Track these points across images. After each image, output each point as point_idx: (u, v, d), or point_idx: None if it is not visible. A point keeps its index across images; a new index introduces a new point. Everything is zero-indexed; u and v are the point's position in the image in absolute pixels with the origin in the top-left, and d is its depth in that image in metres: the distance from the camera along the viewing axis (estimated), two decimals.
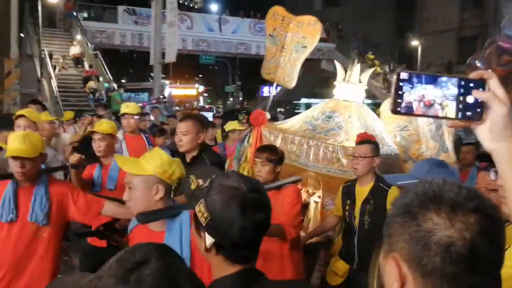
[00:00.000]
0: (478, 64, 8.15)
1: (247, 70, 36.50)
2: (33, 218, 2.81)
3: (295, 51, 5.70)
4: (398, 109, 0.97)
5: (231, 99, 36.77)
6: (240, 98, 37.01)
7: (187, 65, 35.69)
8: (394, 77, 0.98)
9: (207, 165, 3.41)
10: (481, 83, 0.98)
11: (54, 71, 17.62)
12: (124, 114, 5.38)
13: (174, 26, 15.70)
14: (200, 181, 3.17)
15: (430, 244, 0.87)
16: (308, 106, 44.28)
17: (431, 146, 4.40)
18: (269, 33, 6.03)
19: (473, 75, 0.99)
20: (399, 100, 0.96)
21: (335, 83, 5.46)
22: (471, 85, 0.98)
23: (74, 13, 21.06)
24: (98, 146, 4.05)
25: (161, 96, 13.74)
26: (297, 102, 38.54)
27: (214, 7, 26.89)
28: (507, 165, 1.01)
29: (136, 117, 5.52)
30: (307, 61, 23.92)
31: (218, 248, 1.37)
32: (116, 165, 3.66)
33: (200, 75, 46.48)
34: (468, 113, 0.98)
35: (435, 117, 0.98)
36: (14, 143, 2.73)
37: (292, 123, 5.48)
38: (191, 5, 23.20)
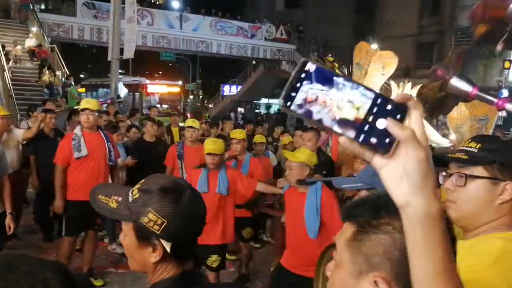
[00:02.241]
0: (440, 70, 8.69)
1: (208, 69, 36.43)
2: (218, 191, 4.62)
3: (375, 77, 7.49)
4: (288, 103, 0.75)
5: (191, 97, 36.53)
6: (201, 96, 36.85)
7: (148, 62, 35.25)
8: (298, 64, 0.78)
9: None
10: (402, 111, 0.75)
11: (8, 63, 17.07)
12: (84, 109, 5.29)
13: (133, 22, 15.47)
14: None
15: None
16: (268, 106, 44.72)
17: None
18: (356, 61, 7.94)
19: (397, 97, 0.76)
20: (292, 94, 0.75)
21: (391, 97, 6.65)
22: (389, 107, 0.75)
23: (31, 5, 20.42)
24: (235, 148, 5.77)
25: (116, 97, 13.51)
26: (257, 102, 38.69)
27: (175, 4, 26.57)
28: (418, 232, 0.74)
29: (96, 113, 5.44)
30: (267, 61, 23.98)
31: (172, 251, 1.34)
32: (247, 159, 5.77)
33: (161, 72, 45.98)
34: (373, 140, 0.74)
35: (330, 129, 0.75)
36: None
37: None
38: (152, 1, 22.86)
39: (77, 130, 5.34)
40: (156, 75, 42.86)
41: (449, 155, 1.59)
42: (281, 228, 4.99)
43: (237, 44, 24.07)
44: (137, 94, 22.34)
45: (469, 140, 1.61)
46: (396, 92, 7.39)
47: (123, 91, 13.87)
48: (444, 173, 1.61)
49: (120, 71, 20.48)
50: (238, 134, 6.02)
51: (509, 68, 16.71)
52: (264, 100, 43.13)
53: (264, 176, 5.75)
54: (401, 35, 26.15)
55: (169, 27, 22.30)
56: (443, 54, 23.91)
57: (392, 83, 7.46)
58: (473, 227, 1.54)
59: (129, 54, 15.70)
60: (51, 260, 1.08)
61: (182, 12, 23.12)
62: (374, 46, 29.19)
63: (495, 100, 9.18)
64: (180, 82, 25.25)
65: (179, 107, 23.40)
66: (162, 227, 1.31)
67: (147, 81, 23.14)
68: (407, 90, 7.25)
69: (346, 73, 23.87)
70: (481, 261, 1.39)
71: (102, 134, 5.53)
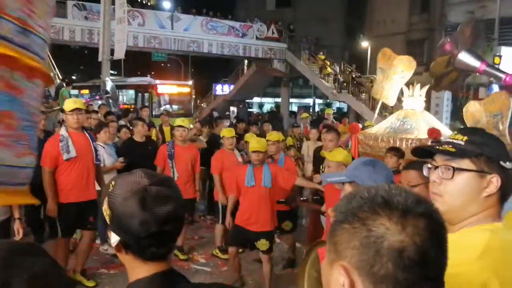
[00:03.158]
0: (448, 44, 9.12)
1: (200, 68, 36.42)
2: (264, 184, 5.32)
3: (395, 80, 8.18)
4: None
5: None
6: (193, 96, 36.78)
7: (140, 62, 35.19)
8: None
9: None
10: None
11: None
12: (73, 109, 5.29)
13: (123, 22, 15.46)
14: None
15: (382, 249, 0.85)
16: (260, 105, 44.62)
17: (494, 133, 5.93)
18: (379, 66, 8.63)
19: None
20: None
21: (403, 98, 7.92)
22: None
23: None
24: (271, 149, 6.17)
25: (104, 91, 13.48)
26: (250, 101, 38.71)
27: (166, 4, 26.57)
28: None
29: (84, 113, 5.46)
30: (259, 60, 23.92)
31: (125, 247, 1.34)
32: (282, 158, 6.45)
33: (153, 72, 45.91)
34: None
35: None
36: None
37: (377, 128, 8.00)
38: (144, 2, 22.80)
39: (63, 131, 5.33)
40: (148, 76, 42.81)
41: (437, 147, 1.58)
42: (312, 216, 6.64)
43: (228, 44, 24.07)
44: (146, 94, 21.61)
45: (455, 133, 1.61)
46: (407, 93, 7.89)
47: (108, 85, 13.73)
48: (429, 166, 1.60)
49: (111, 71, 20.38)
50: (273, 136, 6.57)
51: (499, 64, 16.83)
52: (256, 99, 43.19)
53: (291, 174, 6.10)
54: (392, 33, 26.28)
55: (160, 28, 22.24)
56: (433, 51, 24.02)
57: (403, 86, 7.97)
58: (459, 220, 1.53)
59: (119, 54, 15.68)
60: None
61: (173, 12, 23.10)
62: (365, 44, 29.45)
63: (503, 76, 9.88)
64: (190, 82, 24.28)
65: (190, 108, 22.86)
66: (110, 218, 1.34)
67: (157, 81, 22.24)
68: (417, 90, 7.67)
69: (338, 71, 23.95)
70: (468, 255, 1.39)
71: (86, 134, 5.54)
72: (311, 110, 34.93)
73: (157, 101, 21.50)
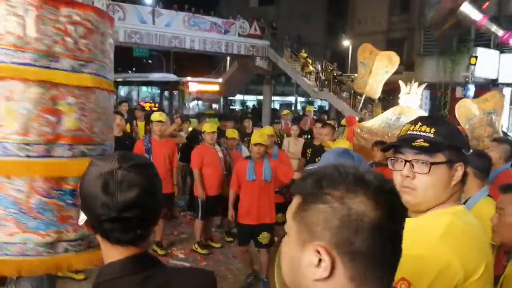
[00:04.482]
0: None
1: (182, 64, 36.15)
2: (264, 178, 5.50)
3: (380, 75, 8.59)
4: None
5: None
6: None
7: (121, 58, 34.79)
8: None
9: None
10: None
11: None
12: None
13: None
14: None
15: (363, 227, 0.87)
16: (243, 102, 44.58)
17: (488, 130, 6.46)
18: (360, 61, 9.06)
19: None
20: None
21: (400, 95, 8.05)
22: None
23: None
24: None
25: None
26: (233, 98, 38.69)
27: None
28: None
29: None
30: (241, 57, 23.82)
31: (92, 228, 1.35)
32: (276, 153, 6.75)
33: (134, 68, 45.54)
34: None
35: None
36: None
37: (373, 122, 8.16)
38: None
39: None
40: (130, 72, 42.44)
41: (413, 143, 1.57)
42: None
43: (210, 40, 23.91)
44: (174, 92, 20.75)
45: (420, 124, 1.61)
46: (404, 91, 8.03)
47: None
48: (400, 160, 1.60)
49: None
50: (269, 130, 7.00)
51: (475, 64, 17.14)
52: (239, 96, 43.16)
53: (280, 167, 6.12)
54: (372, 31, 26.44)
55: (142, 22, 21.93)
56: (412, 50, 24.26)
57: (400, 82, 8.06)
58: (428, 209, 1.57)
59: None
60: None
61: (155, 7, 22.87)
62: (346, 42, 29.63)
63: (501, 34, 10.49)
64: (220, 80, 23.23)
65: (218, 107, 22.19)
66: (79, 197, 1.37)
67: (188, 78, 21.16)
68: (414, 88, 7.87)
69: (319, 69, 24.04)
70: (430, 237, 1.44)
71: None
72: (293, 108, 35.01)
73: (189, 99, 20.78)
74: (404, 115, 7.78)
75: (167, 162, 6.72)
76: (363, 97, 9.45)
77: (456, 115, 7.26)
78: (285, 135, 10.18)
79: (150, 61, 39.60)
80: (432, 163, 1.53)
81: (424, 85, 7.80)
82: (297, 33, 28.85)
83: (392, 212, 0.90)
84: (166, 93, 21.38)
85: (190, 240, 7.26)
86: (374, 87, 8.67)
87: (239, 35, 24.91)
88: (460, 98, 15.82)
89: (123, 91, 23.05)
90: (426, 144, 1.54)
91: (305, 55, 25.11)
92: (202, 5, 24.72)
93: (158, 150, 6.64)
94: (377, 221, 0.87)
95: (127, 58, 33.32)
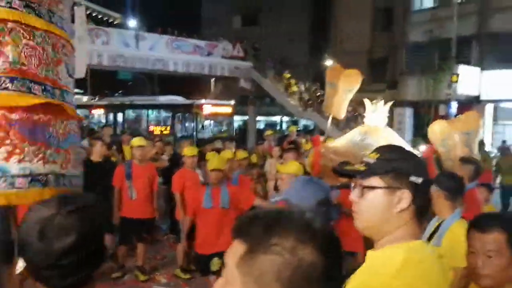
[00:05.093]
0: None
1: (166, 87, 36.18)
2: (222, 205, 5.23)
3: (344, 94, 8.32)
4: None
5: None
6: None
7: (106, 81, 34.80)
8: None
9: None
10: None
11: None
12: None
13: (84, 41, 15.30)
14: None
15: (315, 277, 0.88)
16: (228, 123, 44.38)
17: (465, 150, 6.41)
18: (329, 81, 8.79)
19: None
20: None
21: (365, 114, 7.82)
22: None
23: None
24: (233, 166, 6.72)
25: None
26: None
27: (131, 23, 26.40)
28: None
29: None
30: (225, 79, 23.90)
31: (31, 275, 1.32)
32: (235, 176, 6.55)
33: (119, 92, 45.52)
34: None
35: None
36: None
37: (339, 142, 8.01)
38: (110, 21, 22.62)
39: None
40: (116, 94, 42.40)
41: (347, 167, 1.61)
42: None
43: (194, 62, 24.01)
44: (187, 115, 20.37)
45: (373, 152, 1.61)
46: (369, 109, 7.67)
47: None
48: (353, 185, 1.61)
49: (77, 90, 19.96)
50: (227, 154, 6.89)
51: (456, 82, 17.37)
52: None
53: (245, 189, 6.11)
54: (355, 50, 26.81)
55: (125, 46, 22.03)
56: (395, 69, 24.60)
57: (366, 100, 7.75)
58: (379, 237, 1.54)
59: (80, 73, 15.47)
60: None
61: (138, 31, 22.98)
62: (329, 62, 29.93)
63: None
64: (232, 102, 22.83)
65: (230, 130, 21.93)
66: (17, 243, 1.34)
67: (203, 101, 20.64)
68: (380, 106, 7.56)
69: (303, 89, 24.21)
70: (386, 272, 1.41)
71: None
72: (278, 127, 35.08)
73: (204, 123, 20.36)
74: (369, 135, 7.54)
75: (147, 187, 6.71)
76: (330, 117, 9.27)
77: (429, 137, 7.18)
78: (268, 156, 10.19)
79: (132, 83, 39.46)
80: (364, 187, 1.53)
81: (390, 103, 7.59)
82: (280, 54, 29.09)
83: (337, 258, 0.93)
84: (178, 116, 20.92)
85: (173, 264, 7.20)
86: (337, 107, 8.52)
87: (223, 57, 25.07)
88: (443, 116, 16.09)
89: (130, 114, 22.74)
90: (362, 168, 1.54)
91: (288, 75, 25.29)
92: (186, 28, 24.89)
93: (138, 175, 6.63)
94: (326, 270, 0.89)
95: (112, 82, 33.35)
